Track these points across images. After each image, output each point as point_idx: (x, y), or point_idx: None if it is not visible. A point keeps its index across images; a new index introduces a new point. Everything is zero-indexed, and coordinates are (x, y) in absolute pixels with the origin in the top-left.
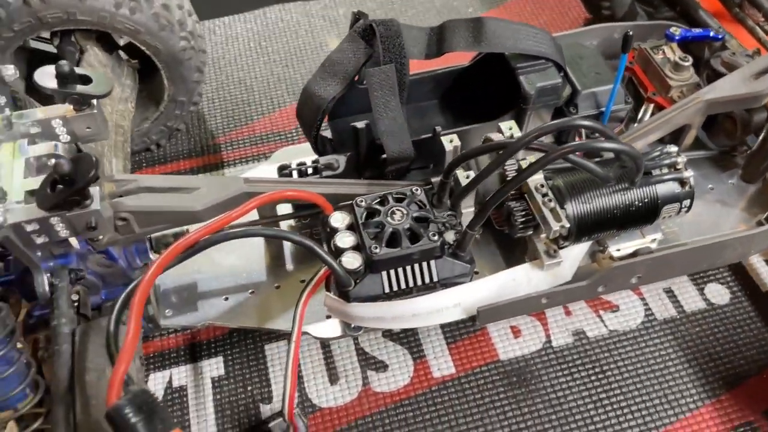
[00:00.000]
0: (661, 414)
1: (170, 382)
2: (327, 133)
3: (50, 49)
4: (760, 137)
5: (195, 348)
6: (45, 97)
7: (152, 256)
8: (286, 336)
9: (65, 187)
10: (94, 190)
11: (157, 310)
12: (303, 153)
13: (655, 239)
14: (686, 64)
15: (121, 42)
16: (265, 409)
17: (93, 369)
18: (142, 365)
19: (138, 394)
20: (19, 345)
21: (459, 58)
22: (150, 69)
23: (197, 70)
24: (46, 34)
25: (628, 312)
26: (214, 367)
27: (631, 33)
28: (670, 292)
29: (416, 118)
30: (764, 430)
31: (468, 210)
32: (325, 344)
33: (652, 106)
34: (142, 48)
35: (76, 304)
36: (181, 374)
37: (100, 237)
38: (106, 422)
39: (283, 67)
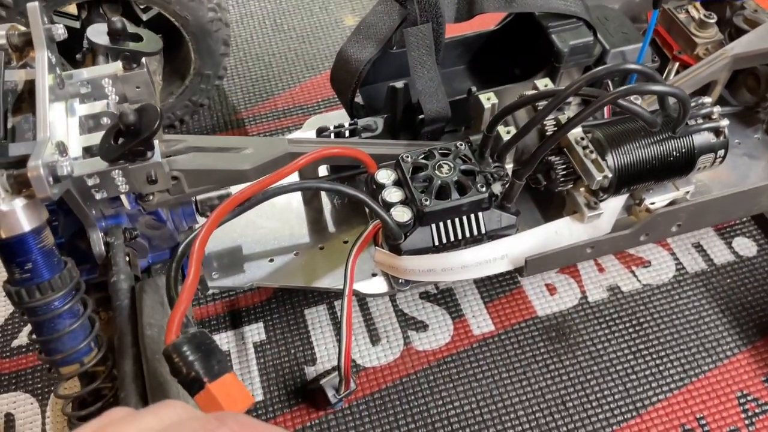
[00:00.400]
0: (699, 362)
1: None
2: (358, 100)
3: (74, 24)
4: None
5: (235, 314)
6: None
7: (198, 218)
8: (327, 299)
9: (129, 138)
10: (154, 142)
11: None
12: (335, 120)
13: (688, 191)
14: (711, 21)
15: (144, 17)
16: (310, 371)
17: (153, 324)
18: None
19: (196, 334)
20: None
21: (485, 23)
22: (172, 44)
23: (223, 43)
24: (72, 9)
25: (659, 267)
26: (255, 332)
27: None
28: (698, 247)
29: (445, 83)
30: None
31: (506, 167)
32: (363, 307)
33: (677, 64)
34: (171, 19)
35: None
36: (223, 340)
37: (151, 197)
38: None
39: (300, 44)
